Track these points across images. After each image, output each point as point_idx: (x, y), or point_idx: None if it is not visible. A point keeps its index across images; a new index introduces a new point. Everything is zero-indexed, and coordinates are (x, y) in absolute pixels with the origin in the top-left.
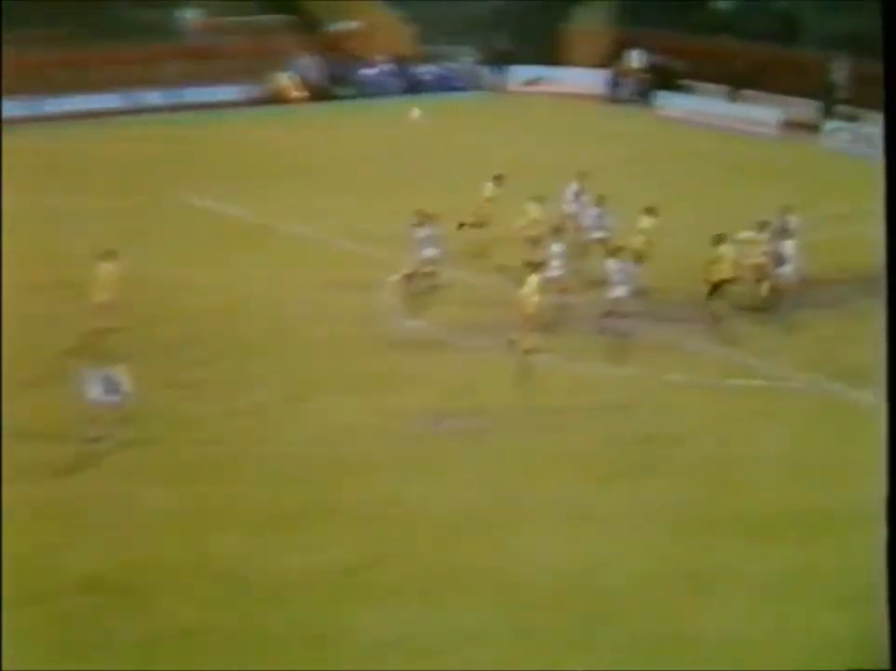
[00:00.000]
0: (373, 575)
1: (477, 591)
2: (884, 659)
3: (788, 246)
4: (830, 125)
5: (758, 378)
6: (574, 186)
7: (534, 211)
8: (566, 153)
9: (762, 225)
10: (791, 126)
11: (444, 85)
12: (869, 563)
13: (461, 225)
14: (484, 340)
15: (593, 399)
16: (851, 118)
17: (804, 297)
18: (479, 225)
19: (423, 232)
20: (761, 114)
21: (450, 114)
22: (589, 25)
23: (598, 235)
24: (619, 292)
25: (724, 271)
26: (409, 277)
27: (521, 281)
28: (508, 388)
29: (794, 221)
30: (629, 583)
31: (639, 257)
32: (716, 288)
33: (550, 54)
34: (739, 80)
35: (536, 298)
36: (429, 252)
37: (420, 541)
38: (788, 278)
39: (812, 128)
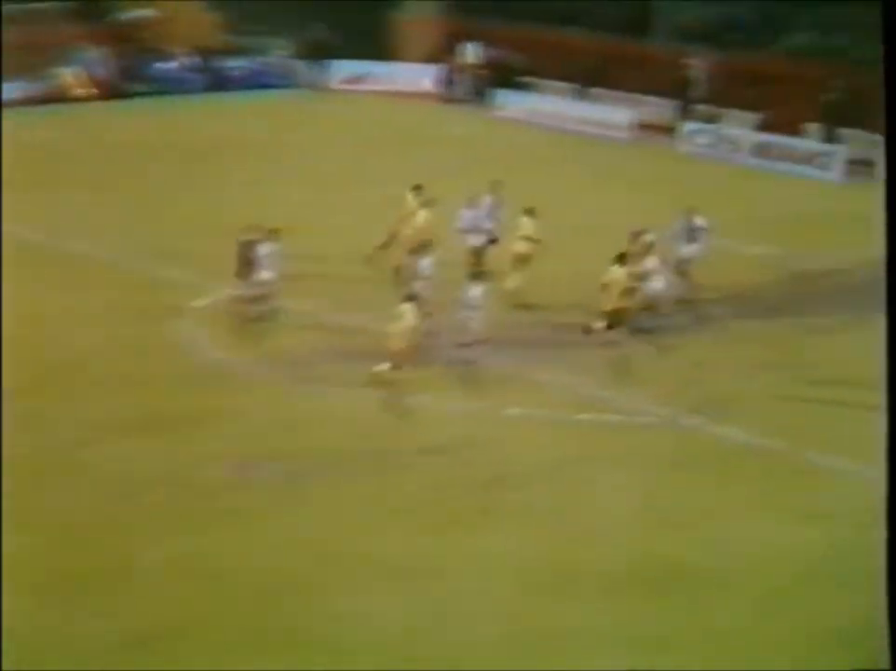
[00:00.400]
0: (170, 646)
1: (297, 659)
2: (884, 659)
3: (651, 261)
4: (687, 127)
5: (612, 412)
6: (488, 199)
7: (422, 220)
8: (394, 159)
9: (634, 237)
10: (644, 128)
11: (255, 81)
12: (736, 623)
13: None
14: (315, 373)
15: (429, 438)
16: (710, 119)
17: (670, 318)
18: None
19: (262, 250)
20: (611, 114)
21: (261, 115)
22: (419, 15)
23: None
24: (473, 314)
25: (617, 298)
26: (238, 301)
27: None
28: (333, 428)
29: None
30: (469, 648)
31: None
32: (613, 318)
33: (376, 48)
34: (587, 77)
35: (408, 327)
36: (266, 274)
37: (228, 605)
38: (657, 295)
39: (668, 130)
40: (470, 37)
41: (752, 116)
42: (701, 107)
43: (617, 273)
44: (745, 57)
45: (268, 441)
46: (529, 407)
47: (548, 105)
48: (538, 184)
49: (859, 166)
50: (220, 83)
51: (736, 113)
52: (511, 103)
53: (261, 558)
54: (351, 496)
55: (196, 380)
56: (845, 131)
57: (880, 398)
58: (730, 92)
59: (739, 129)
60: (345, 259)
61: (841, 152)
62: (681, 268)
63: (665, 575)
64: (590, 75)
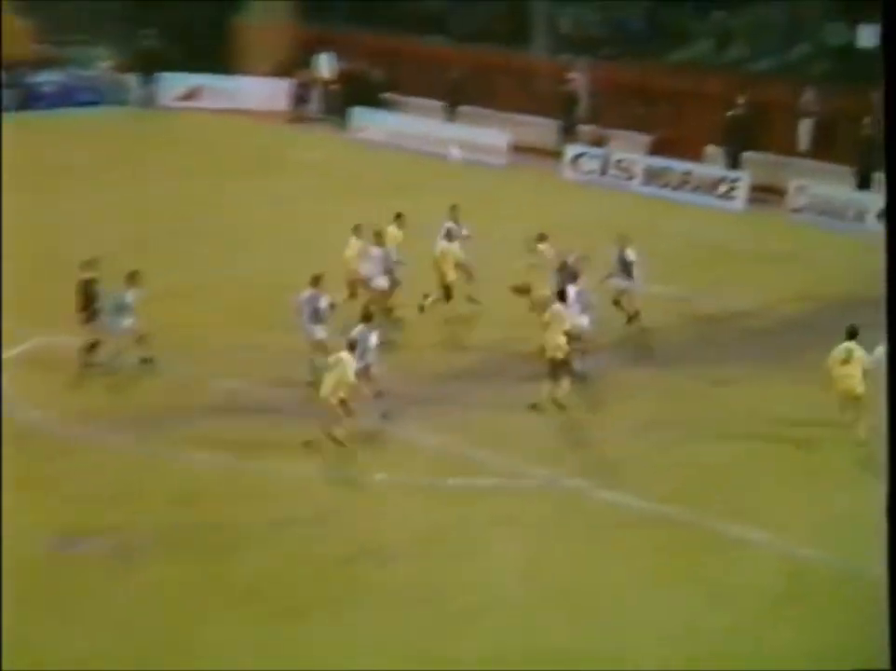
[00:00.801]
0: None
1: None
2: (884, 659)
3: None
4: (572, 150)
5: (487, 475)
6: (447, 224)
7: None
8: (235, 188)
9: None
10: (523, 151)
11: (70, 98)
12: None
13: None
14: (160, 434)
15: (283, 509)
16: (598, 142)
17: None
18: None
19: (127, 297)
20: (485, 136)
21: (73, 136)
22: (265, 22)
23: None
24: (372, 363)
25: (562, 344)
26: (80, 349)
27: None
28: (170, 497)
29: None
30: None
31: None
32: (557, 367)
33: (216, 59)
34: (457, 94)
35: (346, 380)
36: (126, 321)
37: None
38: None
39: (550, 153)
40: (324, 47)
41: (644, 138)
42: (588, 128)
43: (561, 312)
44: (636, 70)
45: (92, 514)
46: (397, 472)
47: (413, 126)
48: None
49: (764, 193)
50: (28, 100)
51: (626, 134)
52: (372, 123)
53: (82, 645)
54: (189, 576)
55: (9, 442)
56: (748, 154)
57: (794, 456)
58: (620, 111)
59: (631, 152)
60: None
61: (745, 178)
62: (616, 304)
63: (553, 663)
64: (461, 92)
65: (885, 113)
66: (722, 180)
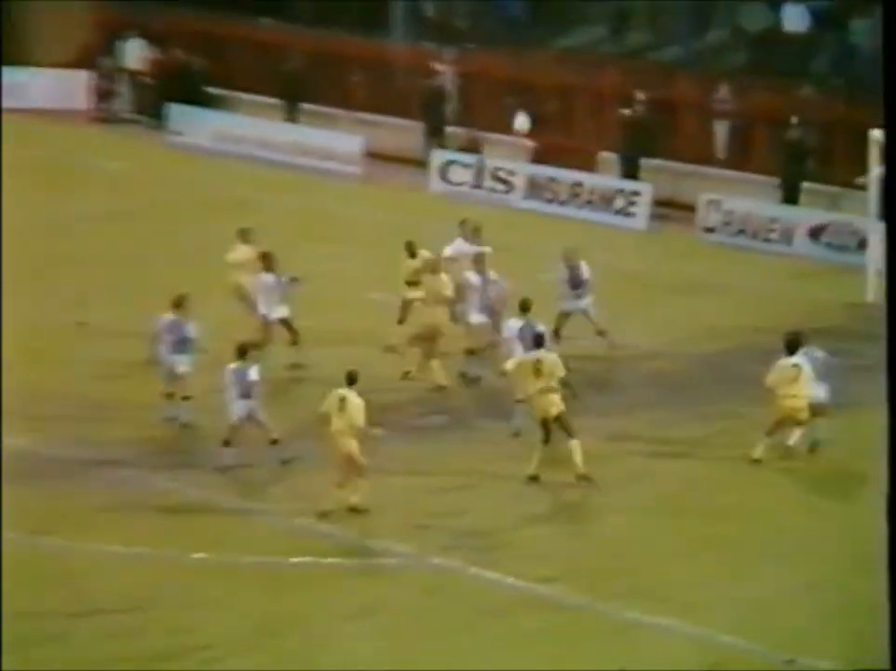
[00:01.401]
0: None
1: None
2: (884, 659)
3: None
4: (440, 157)
5: (338, 554)
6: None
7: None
8: (14, 208)
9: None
10: (381, 159)
11: None
12: None
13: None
14: None
15: (84, 595)
16: (471, 147)
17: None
18: None
19: None
20: (334, 140)
21: None
22: (59, 2)
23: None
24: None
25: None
26: None
27: None
28: None
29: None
30: None
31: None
32: (548, 426)
33: None
34: (299, 89)
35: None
36: None
37: None
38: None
39: (414, 161)
40: (132, 31)
41: (527, 144)
42: (458, 131)
43: (548, 360)
44: (516, 61)
45: None
46: (222, 550)
47: (244, 127)
48: (226, 238)
49: (669, 209)
50: None
51: (505, 138)
52: (192, 124)
53: None
54: None
55: None
56: (650, 163)
57: (704, 526)
58: (497, 110)
59: (510, 160)
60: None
61: (646, 191)
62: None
63: None
64: (303, 86)
65: (885, 113)
66: (619, 193)
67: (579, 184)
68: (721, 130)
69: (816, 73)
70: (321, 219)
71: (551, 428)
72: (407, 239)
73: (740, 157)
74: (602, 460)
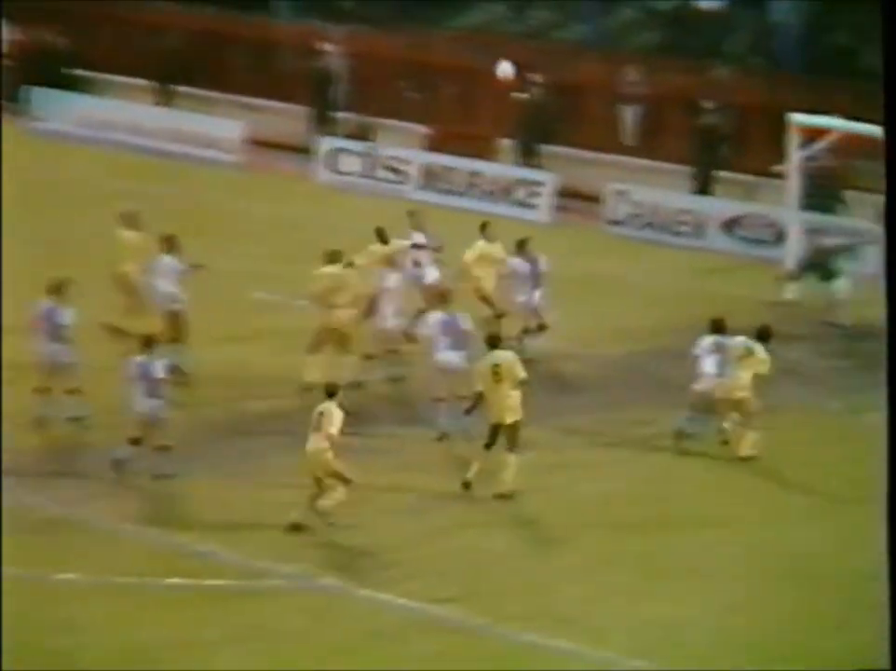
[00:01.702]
0: None
1: None
2: (884, 659)
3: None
4: (327, 144)
5: (214, 575)
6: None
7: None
8: None
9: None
10: (262, 146)
11: None
12: None
13: None
14: None
15: None
16: (362, 134)
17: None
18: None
19: None
20: (214, 126)
21: None
22: None
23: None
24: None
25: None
26: None
27: None
28: None
29: None
30: None
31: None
32: (498, 432)
33: None
34: (174, 71)
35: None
36: None
37: None
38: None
39: (299, 149)
40: None
41: (421, 131)
42: (348, 116)
43: (506, 360)
44: (409, 41)
45: None
46: (92, 570)
47: (114, 112)
48: (94, 232)
49: (573, 200)
50: None
51: (398, 125)
52: (57, 109)
53: None
54: None
55: None
56: (554, 151)
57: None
58: (389, 94)
59: (404, 148)
60: None
61: (549, 181)
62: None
63: None
64: (179, 68)
65: (885, 112)
66: (520, 183)
67: (478, 174)
68: (629, 114)
69: (732, 53)
70: (198, 211)
71: (499, 436)
72: (378, 226)
73: (650, 144)
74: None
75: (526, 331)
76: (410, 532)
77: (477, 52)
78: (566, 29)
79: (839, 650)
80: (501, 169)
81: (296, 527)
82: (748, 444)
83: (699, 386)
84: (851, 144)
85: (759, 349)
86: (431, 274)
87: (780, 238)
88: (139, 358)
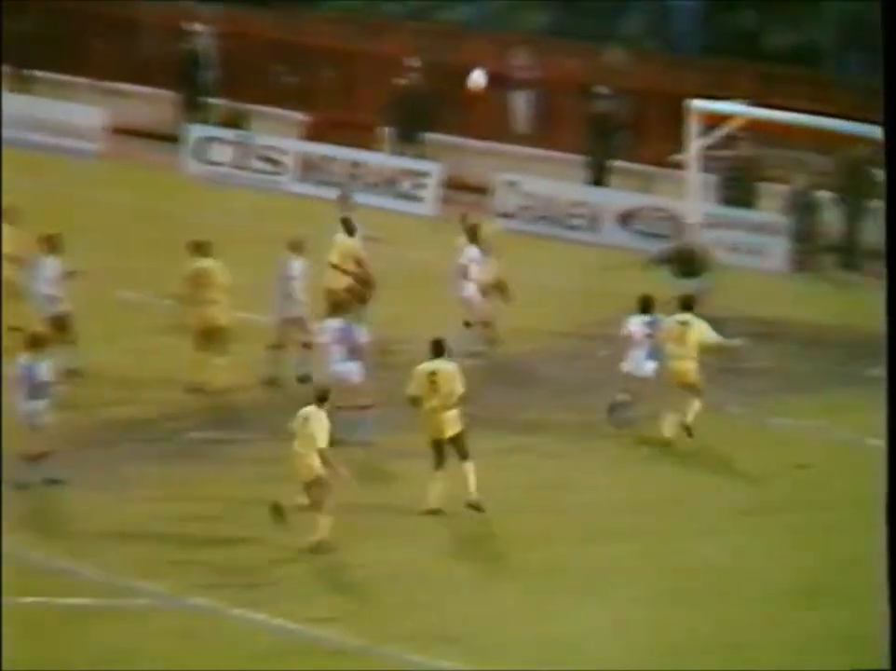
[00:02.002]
0: None
1: None
2: (884, 659)
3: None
4: (197, 132)
5: (79, 593)
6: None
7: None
8: None
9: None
10: (126, 134)
11: None
12: None
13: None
14: None
15: None
16: (235, 121)
17: None
18: None
19: None
20: (73, 113)
21: None
22: None
23: None
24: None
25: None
26: None
27: None
28: None
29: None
30: None
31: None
32: (441, 448)
33: None
34: (27, 54)
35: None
36: None
37: None
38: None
39: (167, 137)
40: None
41: (298, 118)
42: (219, 102)
43: (445, 370)
44: (284, 22)
45: None
46: None
47: None
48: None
49: (460, 192)
50: None
51: (274, 112)
52: None
53: None
54: None
55: None
56: (438, 139)
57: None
58: (264, 79)
59: (280, 137)
60: None
61: (436, 171)
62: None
63: None
64: (36, 51)
65: (885, 112)
66: (404, 174)
67: (359, 165)
68: (519, 101)
69: (627, 35)
70: (56, 204)
71: (445, 451)
72: (344, 216)
73: (542, 133)
74: (389, 479)
75: (468, 325)
76: (287, 548)
77: (357, 34)
78: (451, 10)
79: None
80: (384, 159)
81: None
82: (693, 412)
83: (631, 369)
84: (755, 131)
85: (694, 319)
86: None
87: (679, 231)
88: (23, 359)
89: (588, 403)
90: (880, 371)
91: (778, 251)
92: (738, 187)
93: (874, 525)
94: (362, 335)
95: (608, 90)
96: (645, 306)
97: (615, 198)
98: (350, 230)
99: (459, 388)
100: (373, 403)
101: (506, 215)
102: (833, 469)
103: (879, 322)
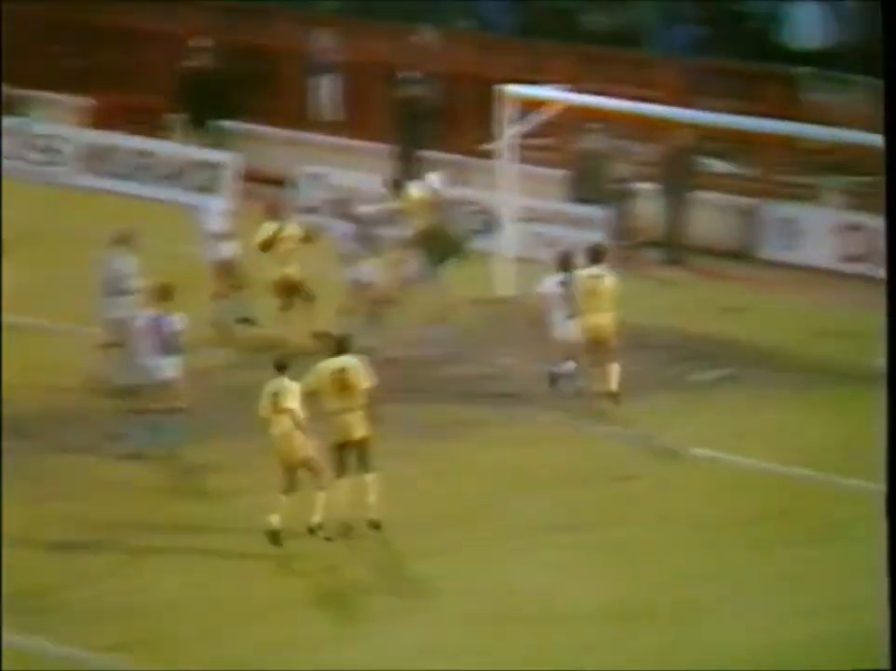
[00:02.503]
0: None
1: None
2: (884, 659)
3: None
4: None
5: None
6: None
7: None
8: None
9: None
10: None
11: None
12: None
13: None
14: None
15: None
16: (16, 108)
17: None
18: None
19: None
20: None
21: None
22: None
23: None
24: None
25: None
26: None
27: None
28: None
29: None
30: None
31: None
32: (342, 453)
33: None
34: None
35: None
36: None
37: None
38: None
39: None
40: None
41: (81, 104)
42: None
43: (348, 367)
44: None
45: None
46: None
47: None
48: None
49: (259, 184)
50: None
51: (54, 97)
52: None
53: None
54: None
55: None
56: (234, 126)
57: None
58: (42, 60)
59: (60, 124)
60: None
61: (232, 162)
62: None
63: None
64: None
65: (885, 112)
66: (197, 165)
67: (147, 154)
68: (323, 86)
69: (438, 15)
70: None
71: (346, 457)
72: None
73: (348, 121)
74: (200, 494)
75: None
76: (73, 571)
77: (145, 13)
78: None
79: None
80: (175, 148)
81: (274, 537)
82: (615, 378)
83: (561, 335)
84: (573, 118)
85: (606, 272)
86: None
87: (492, 226)
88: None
89: None
90: (709, 375)
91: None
92: (596, 183)
93: (695, 543)
94: (176, 327)
95: (418, 74)
96: (564, 264)
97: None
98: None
99: (366, 382)
100: (186, 405)
101: (309, 210)
102: (654, 482)
103: (706, 322)
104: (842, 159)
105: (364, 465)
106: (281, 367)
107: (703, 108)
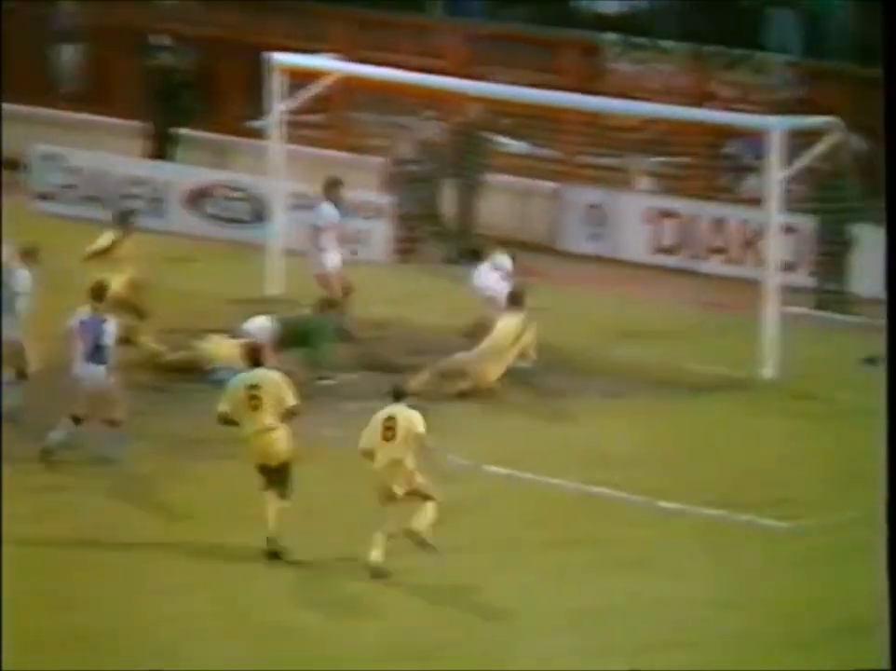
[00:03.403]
0: None
1: None
2: (884, 659)
3: None
4: None
5: None
6: None
7: None
8: None
9: None
10: None
11: None
12: None
13: None
14: None
15: None
16: None
17: None
18: None
19: None
20: None
21: None
22: None
23: None
24: None
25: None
26: None
27: None
28: None
29: None
30: None
31: None
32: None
33: None
34: None
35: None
36: None
37: None
38: None
39: None
40: None
41: None
42: None
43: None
44: None
45: None
46: None
47: None
48: None
49: None
50: None
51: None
52: None
53: None
54: None
55: None
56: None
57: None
58: None
59: None
60: None
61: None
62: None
63: None
64: None
65: (885, 112)
66: None
67: None
68: (63, 55)
69: None
70: None
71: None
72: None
73: (91, 95)
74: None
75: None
76: None
77: None
78: None
79: None
80: None
81: (378, 573)
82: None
83: None
84: (350, 91)
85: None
86: None
87: (260, 216)
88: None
89: None
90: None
91: (378, 237)
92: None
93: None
94: (109, 329)
95: (169, 40)
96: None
97: (181, 173)
98: None
99: (288, 399)
100: (122, 418)
101: (45, 196)
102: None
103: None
104: (652, 137)
105: (281, 492)
106: (398, 396)
107: (495, 80)
